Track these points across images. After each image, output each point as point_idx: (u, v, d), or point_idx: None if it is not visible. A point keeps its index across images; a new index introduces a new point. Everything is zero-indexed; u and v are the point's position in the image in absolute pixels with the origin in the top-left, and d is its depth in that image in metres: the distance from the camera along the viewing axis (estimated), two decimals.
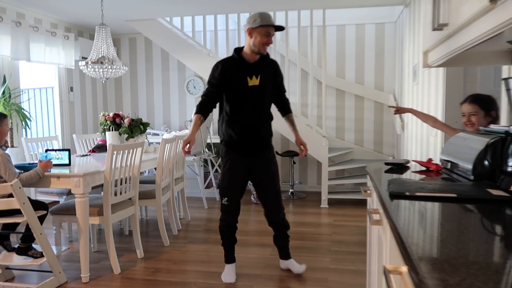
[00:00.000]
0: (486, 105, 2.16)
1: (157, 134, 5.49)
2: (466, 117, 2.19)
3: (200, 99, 2.72)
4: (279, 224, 2.84)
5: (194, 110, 2.72)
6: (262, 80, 2.66)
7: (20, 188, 2.42)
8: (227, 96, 2.67)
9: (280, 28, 2.60)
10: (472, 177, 1.44)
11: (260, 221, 4.24)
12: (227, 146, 2.75)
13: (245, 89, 2.63)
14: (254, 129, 2.70)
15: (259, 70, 2.66)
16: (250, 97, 2.65)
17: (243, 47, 2.67)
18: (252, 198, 5.11)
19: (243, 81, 2.63)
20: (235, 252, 2.86)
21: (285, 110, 2.90)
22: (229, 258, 2.83)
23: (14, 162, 2.68)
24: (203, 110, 2.69)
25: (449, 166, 1.68)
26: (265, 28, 2.54)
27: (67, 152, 3.04)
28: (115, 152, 2.84)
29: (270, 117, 2.81)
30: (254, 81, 2.64)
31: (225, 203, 2.75)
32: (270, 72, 2.72)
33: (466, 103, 2.22)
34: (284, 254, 2.92)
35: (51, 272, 2.69)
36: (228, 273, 2.79)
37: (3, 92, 4.18)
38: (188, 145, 2.59)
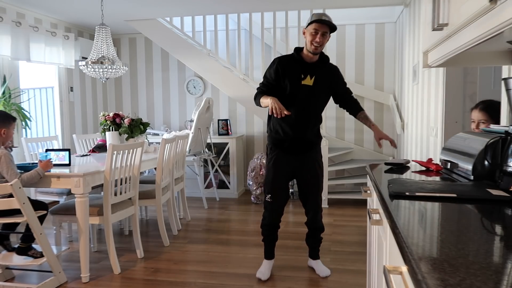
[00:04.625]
0: (496, 115, 2.11)
1: (157, 134, 5.49)
2: (475, 124, 2.15)
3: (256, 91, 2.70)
4: (314, 225, 2.85)
5: (256, 100, 2.65)
6: (316, 81, 2.62)
7: (20, 188, 2.42)
8: (279, 92, 2.62)
9: (332, 28, 2.50)
10: (472, 177, 1.44)
11: (260, 221, 4.23)
12: (272, 142, 2.73)
13: (297, 87, 2.60)
14: (300, 129, 2.66)
15: (314, 71, 2.62)
16: (301, 96, 2.61)
17: (303, 48, 2.65)
18: (252, 198, 5.10)
19: (296, 78, 2.60)
20: (275, 249, 2.86)
21: (355, 110, 2.79)
22: (268, 253, 2.85)
23: (15, 162, 2.68)
24: (264, 94, 2.61)
25: (449, 166, 1.68)
26: (312, 25, 2.49)
27: (67, 152, 3.04)
28: (115, 152, 2.84)
29: (319, 121, 2.77)
30: (307, 81, 2.61)
31: (268, 200, 2.72)
32: (327, 76, 2.68)
33: (477, 110, 2.16)
34: (313, 253, 2.93)
35: (51, 272, 2.69)
36: (263, 269, 2.81)
37: (3, 92, 4.18)
38: (279, 107, 2.42)
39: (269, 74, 2.65)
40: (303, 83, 2.60)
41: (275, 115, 2.44)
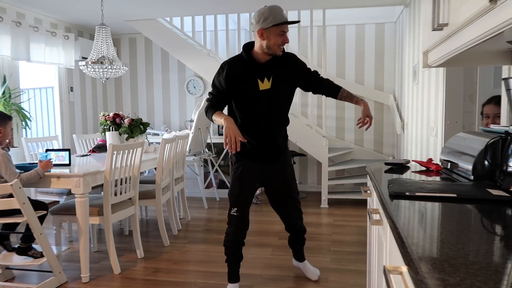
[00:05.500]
0: None
1: (157, 134, 5.49)
2: (491, 118, 2.18)
3: (207, 103, 2.44)
4: (295, 229, 2.70)
5: (208, 115, 2.38)
6: (274, 82, 2.32)
7: (20, 188, 2.42)
8: (236, 101, 2.36)
9: (294, 22, 2.27)
10: (472, 177, 1.44)
11: (260, 221, 4.24)
12: (239, 154, 2.41)
13: (256, 94, 2.31)
14: (268, 137, 2.42)
15: (271, 71, 2.32)
16: (261, 102, 2.34)
17: (253, 43, 2.32)
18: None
19: (253, 84, 2.31)
20: (239, 270, 2.60)
21: (332, 91, 2.48)
22: (233, 276, 2.57)
23: (14, 162, 2.68)
24: (216, 108, 2.35)
25: (449, 166, 1.68)
26: (279, 27, 2.20)
27: (67, 152, 3.04)
28: (115, 152, 2.84)
29: (286, 123, 2.51)
30: (265, 84, 2.31)
31: (234, 213, 2.45)
32: (285, 71, 2.37)
33: (491, 105, 2.20)
34: (299, 255, 2.82)
35: (51, 272, 2.69)
36: None
37: (3, 92, 4.19)
38: (234, 136, 2.15)
39: (218, 83, 2.34)
40: (261, 89, 2.30)
41: (229, 151, 2.19)
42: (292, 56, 2.44)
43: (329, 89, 2.50)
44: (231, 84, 2.31)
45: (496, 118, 2.18)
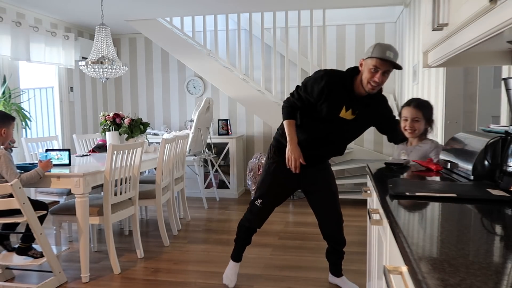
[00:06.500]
0: (428, 113, 2.21)
1: (157, 134, 5.49)
2: (409, 122, 2.21)
3: (289, 96, 2.37)
4: (334, 240, 2.59)
5: (284, 115, 2.32)
6: (357, 118, 2.26)
7: (20, 188, 2.42)
8: (309, 108, 2.28)
9: (397, 67, 2.08)
10: (472, 177, 1.44)
11: None
12: (278, 150, 2.43)
13: (332, 116, 2.23)
14: (315, 155, 2.37)
15: (359, 106, 2.23)
16: (331, 127, 2.27)
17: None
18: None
19: (336, 107, 2.22)
20: (243, 252, 2.69)
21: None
22: (236, 256, 2.67)
23: (14, 162, 2.68)
24: (293, 114, 2.31)
25: (449, 166, 1.68)
26: (374, 60, 2.04)
27: (67, 152, 3.04)
28: (115, 152, 2.84)
29: (341, 153, 2.47)
30: (347, 114, 2.23)
31: (258, 204, 2.48)
32: (372, 112, 2.30)
33: (410, 107, 2.22)
34: (336, 270, 2.71)
35: (51, 272, 2.69)
36: (230, 274, 2.66)
37: (3, 92, 4.18)
38: (295, 160, 2.25)
39: (311, 89, 2.23)
40: (340, 116, 2.23)
41: (292, 169, 2.26)
42: (383, 99, 2.37)
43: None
44: (321, 97, 2.21)
45: (414, 122, 2.19)
